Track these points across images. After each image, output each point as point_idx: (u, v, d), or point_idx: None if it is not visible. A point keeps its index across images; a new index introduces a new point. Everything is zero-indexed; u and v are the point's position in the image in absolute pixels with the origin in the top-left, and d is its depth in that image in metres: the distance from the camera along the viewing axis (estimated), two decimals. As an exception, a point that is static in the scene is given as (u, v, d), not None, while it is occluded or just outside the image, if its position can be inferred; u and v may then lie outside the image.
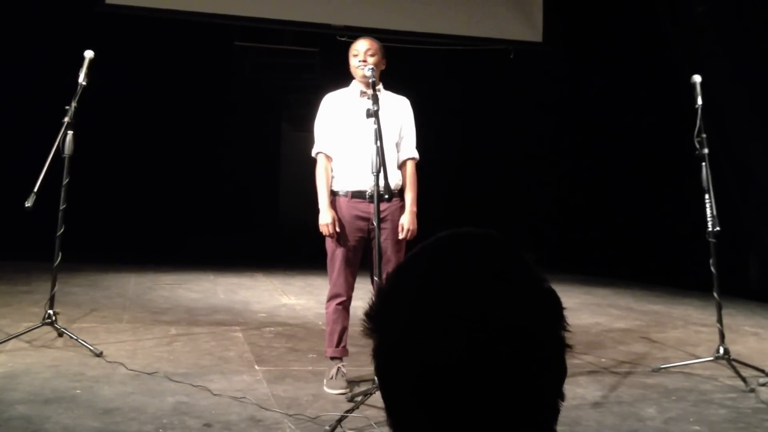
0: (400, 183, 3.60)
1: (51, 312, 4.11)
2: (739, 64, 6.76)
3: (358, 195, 3.52)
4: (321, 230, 3.53)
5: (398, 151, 3.64)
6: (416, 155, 3.69)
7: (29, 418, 2.91)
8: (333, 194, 3.58)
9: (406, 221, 3.53)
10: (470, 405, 0.68)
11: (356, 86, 3.64)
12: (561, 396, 0.73)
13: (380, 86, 3.59)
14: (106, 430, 2.83)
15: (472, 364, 0.68)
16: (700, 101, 4.15)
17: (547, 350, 0.71)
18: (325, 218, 3.50)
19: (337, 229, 3.50)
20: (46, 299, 4.18)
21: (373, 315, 0.75)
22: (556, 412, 0.72)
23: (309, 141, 3.71)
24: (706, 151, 4.10)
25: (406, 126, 3.68)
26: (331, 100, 3.67)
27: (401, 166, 3.65)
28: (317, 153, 3.63)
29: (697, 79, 4.20)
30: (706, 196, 4.07)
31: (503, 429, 0.69)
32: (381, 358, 0.74)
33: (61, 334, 4.17)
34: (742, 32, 6.73)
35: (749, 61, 6.68)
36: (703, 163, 4.11)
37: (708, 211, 4.06)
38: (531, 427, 0.70)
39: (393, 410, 0.74)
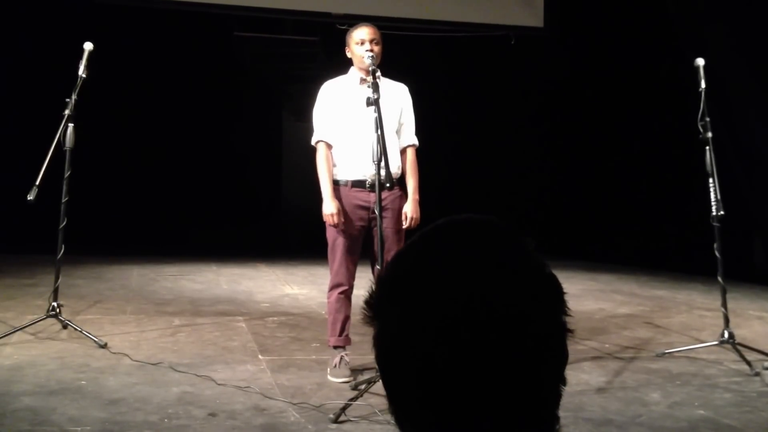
0: (400, 171, 3.56)
1: (55, 304, 4.12)
2: (743, 46, 6.71)
3: (358, 184, 3.50)
4: (325, 220, 3.50)
5: (398, 138, 3.61)
6: (416, 142, 3.66)
7: (35, 410, 2.92)
8: (333, 183, 3.53)
9: (410, 209, 3.49)
10: (471, 391, 0.67)
11: (355, 73, 3.59)
12: (563, 381, 0.72)
13: (378, 73, 3.54)
14: (111, 421, 2.84)
15: (473, 350, 0.67)
16: (703, 84, 4.12)
17: (547, 335, 0.71)
18: (329, 208, 3.45)
19: (342, 218, 3.47)
20: (50, 292, 4.19)
21: (372, 303, 0.75)
22: (557, 396, 0.72)
23: (310, 131, 3.66)
24: (709, 134, 4.08)
25: (406, 113, 3.65)
26: (330, 88, 3.62)
27: (402, 153, 3.61)
28: (317, 141, 3.58)
29: (700, 62, 4.17)
30: (710, 180, 4.05)
31: (504, 414, 0.68)
32: (381, 345, 0.74)
33: (65, 326, 4.18)
34: (746, 14, 6.68)
35: (754, 44, 6.63)
36: (707, 147, 4.08)
37: (712, 195, 4.04)
38: (533, 412, 0.70)
39: (394, 398, 0.73)
